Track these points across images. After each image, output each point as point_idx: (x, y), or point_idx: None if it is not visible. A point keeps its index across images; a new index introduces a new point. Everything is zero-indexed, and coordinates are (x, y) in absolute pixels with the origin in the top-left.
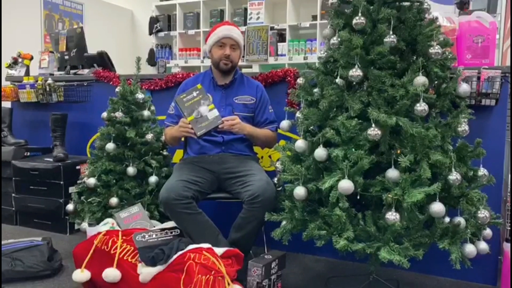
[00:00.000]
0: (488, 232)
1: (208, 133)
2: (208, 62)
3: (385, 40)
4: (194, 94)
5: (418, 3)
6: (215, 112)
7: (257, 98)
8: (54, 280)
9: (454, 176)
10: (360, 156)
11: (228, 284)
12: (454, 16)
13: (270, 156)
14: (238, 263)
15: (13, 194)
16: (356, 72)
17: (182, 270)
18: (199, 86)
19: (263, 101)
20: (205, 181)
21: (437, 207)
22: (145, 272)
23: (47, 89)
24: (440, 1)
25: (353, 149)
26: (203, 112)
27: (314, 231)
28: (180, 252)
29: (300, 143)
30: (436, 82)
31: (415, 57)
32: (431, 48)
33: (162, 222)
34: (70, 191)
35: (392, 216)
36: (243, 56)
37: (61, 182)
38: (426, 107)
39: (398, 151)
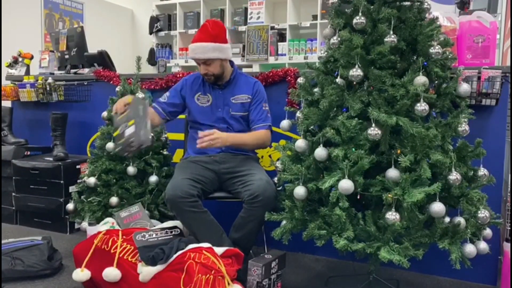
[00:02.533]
0: (488, 232)
1: (128, 151)
2: None
3: (385, 40)
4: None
5: (419, 3)
6: (131, 129)
7: (253, 95)
8: (54, 280)
9: (454, 176)
10: (360, 156)
11: (228, 283)
12: (455, 16)
13: (270, 156)
14: (238, 262)
15: (13, 193)
16: (356, 72)
17: (182, 270)
18: (129, 99)
19: (257, 98)
20: (208, 180)
21: (437, 207)
22: (145, 272)
23: (47, 89)
24: (440, 1)
25: (353, 149)
26: (122, 128)
27: (314, 230)
28: (180, 252)
29: (300, 143)
30: (436, 82)
31: (415, 57)
32: (432, 48)
33: (162, 222)
34: (70, 191)
35: (392, 216)
36: (243, 56)
37: (61, 182)
38: (427, 107)
39: (398, 151)
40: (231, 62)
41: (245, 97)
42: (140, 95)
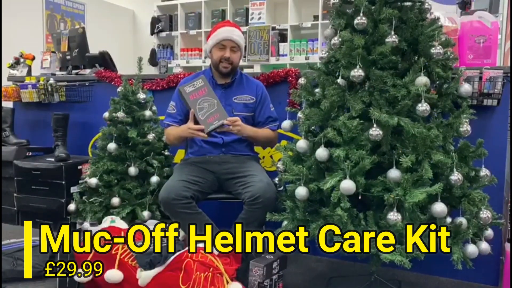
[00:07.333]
0: (489, 232)
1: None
2: (209, 62)
3: (386, 40)
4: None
5: (420, 3)
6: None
7: (257, 97)
8: (56, 280)
9: (456, 177)
10: (362, 156)
11: (227, 281)
12: (456, 16)
13: (271, 156)
14: (237, 261)
15: (15, 194)
16: (357, 72)
17: (180, 268)
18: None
19: (263, 99)
20: (205, 181)
21: (439, 208)
22: (144, 275)
23: (49, 89)
24: (442, 1)
25: (355, 149)
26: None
27: (316, 231)
28: (177, 253)
29: (302, 143)
30: (437, 82)
31: (416, 57)
32: (433, 48)
33: (164, 223)
34: (71, 191)
35: (393, 216)
36: (244, 56)
37: (63, 182)
38: (428, 107)
39: (400, 152)
40: None
41: (248, 98)
42: (142, 95)
